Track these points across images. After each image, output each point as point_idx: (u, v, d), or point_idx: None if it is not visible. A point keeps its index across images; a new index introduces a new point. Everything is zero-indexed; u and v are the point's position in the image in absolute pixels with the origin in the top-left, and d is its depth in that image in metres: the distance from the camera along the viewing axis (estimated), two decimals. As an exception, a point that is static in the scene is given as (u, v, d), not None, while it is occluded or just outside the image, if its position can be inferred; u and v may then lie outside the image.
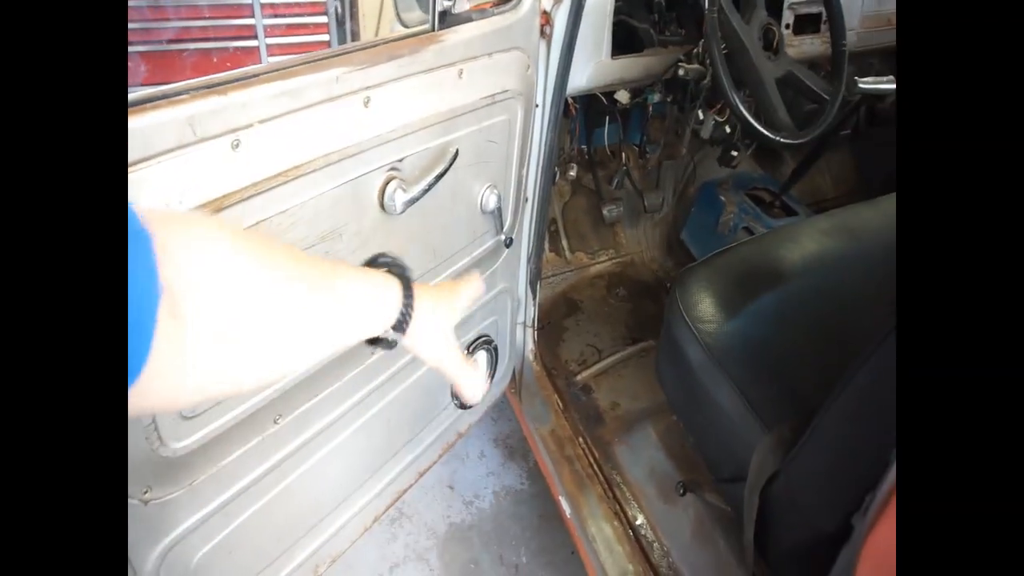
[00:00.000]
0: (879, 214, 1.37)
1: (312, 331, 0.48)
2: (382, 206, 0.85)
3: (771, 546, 0.97)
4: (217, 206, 0.65)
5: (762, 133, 1.25)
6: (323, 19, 2.39)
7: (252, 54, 2.37)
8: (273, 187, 0.70)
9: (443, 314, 0.62)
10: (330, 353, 0.52)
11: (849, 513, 0.79)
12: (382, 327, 0.55)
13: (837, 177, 2.32)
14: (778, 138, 1.26)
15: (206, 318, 0.38)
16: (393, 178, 0.85)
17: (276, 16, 2.36)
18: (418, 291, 0.58)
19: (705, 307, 1.14)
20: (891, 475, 0.65)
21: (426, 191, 0.87)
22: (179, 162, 0.61)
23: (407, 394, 1.13)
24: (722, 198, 1.89)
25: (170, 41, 2.22)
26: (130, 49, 2.15)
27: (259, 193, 0.69)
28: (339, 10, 2.35)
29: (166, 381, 0.37)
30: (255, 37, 2.32)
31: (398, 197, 0.85)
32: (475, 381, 0.65)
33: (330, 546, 1.09)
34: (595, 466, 1.34)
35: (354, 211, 0.83)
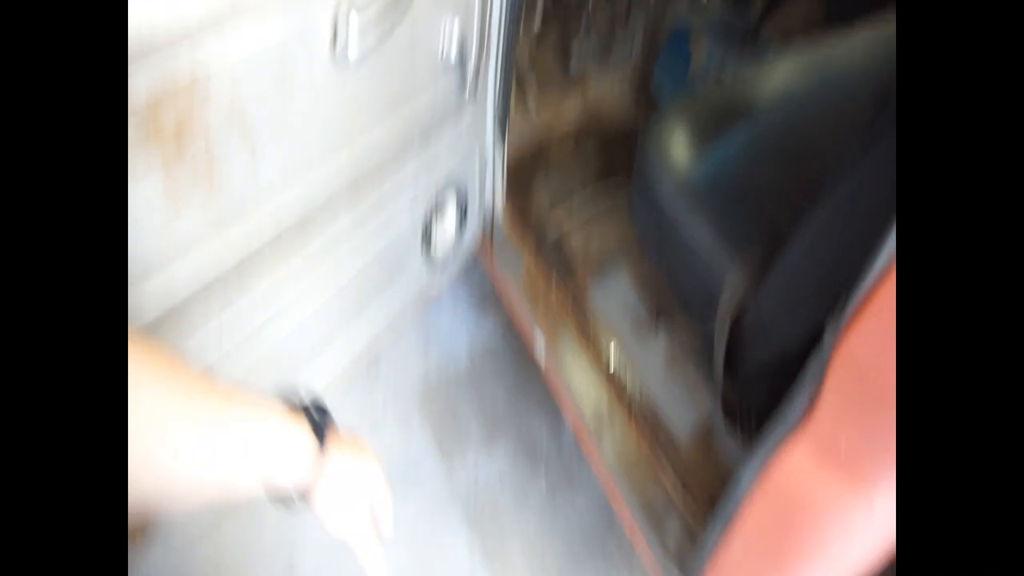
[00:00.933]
0: (847, 48, 1.36)
1: (195, 477, 0.43)
2: (333, 53, 0.82)
3: (740, 370, 1.06)
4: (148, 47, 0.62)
5: None
6: None
7: None
8: (213, 22, 0.66)
9: (358, 480, 0.54)
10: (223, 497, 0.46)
11: (815, 332, 0.86)
12: (286, 483, 0.49)
13: (808, 13, 2.24)
14: None
15: None
16: (343, 21, 0.80)
17: None
18: (332, 449, 0.51)
19: (678, 145, 1.16)
20: (858, 293, 0.69)
21: (384, 38, 0.84)
22: None
23: (377, 260, 1.15)
24: (692, 44, 1.84)
25: None
26: None
27: (198, 30, 0.65)
28: None
29: None
30: None
31: (352, 44, 0.81)
32: (381, 564, 0.58)
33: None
34: (570, 309, 1.42)
35: (303, 61, 0.79)
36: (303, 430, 0.50)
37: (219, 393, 0.44)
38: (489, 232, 1.53)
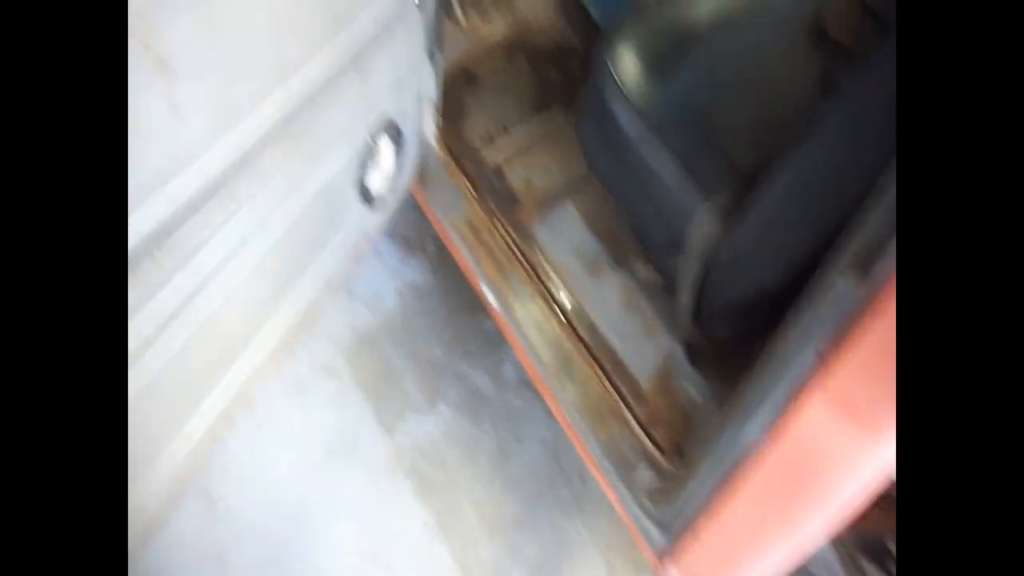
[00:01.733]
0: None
1: None
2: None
3: (704, 307, 1.02)
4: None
5: None
6: None
7: None
8: None
9: None
10: None
11: (794, 271, 0.81)
12: None
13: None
14: None
15: None
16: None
17: None
18: None
19: (635, 69, 1.05)
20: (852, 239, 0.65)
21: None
22: None
23: (312, 199, 0.98)
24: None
25: None
26: None
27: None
28: None
29: None
30: None
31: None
32: None
33: (243, 389, 0.98)
34: (516, 249, 1.31)
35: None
36: None
37: None
38: (423, 161, 1.36)
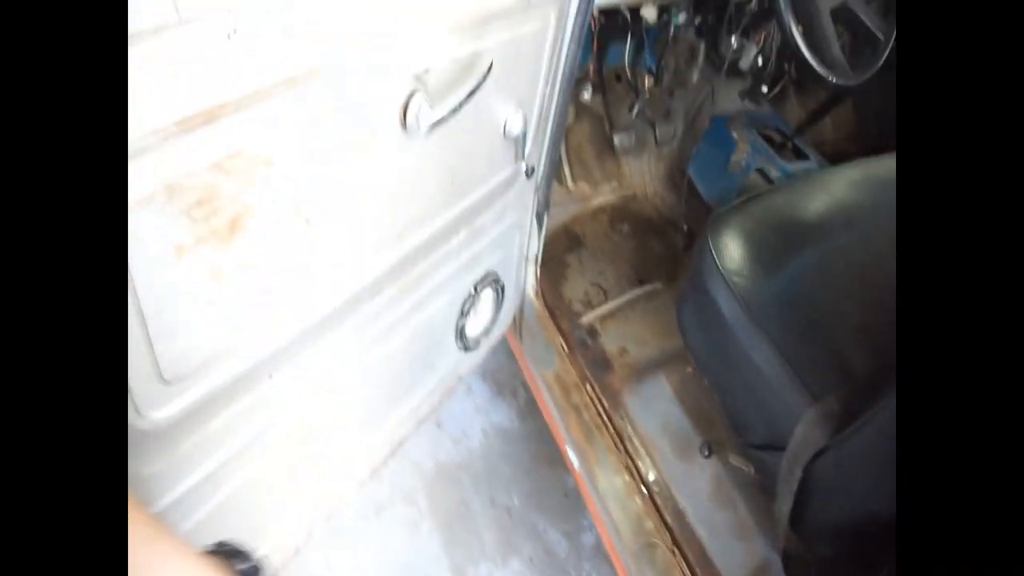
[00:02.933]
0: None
1: None
2: (404, 125, 0.70)
3: (807, 519, 0.92)
4: (208, 117, 0.50)
5: (816, 69, 1.12)
6: None
7: None
8: (279, 94, 0.54)
9: None
10: None
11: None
12: None
13: (836, 120, 2.22)
14: (831, 77, 1.13)
15: None
16: (418, 91, 0.69)
17: None
18: None
19: (741, 258, 1.05)
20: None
21: (455, 110, 0.72)
22: (160, 50, 0.45)
23: (411, 339, 1.02)
24: (734, 135, 1.76)
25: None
26: None
27: (261, 102, 0.53)
28: None
29: None
30: None
31: (423, 115, 0.70)
32: None
33: (324, 506, 1.00)
34: (604, 416, 1.27)
35: (371, 129, 0.68)
36: None
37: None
38: (519, 312, 1.39)
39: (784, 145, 1.79)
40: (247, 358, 0.68)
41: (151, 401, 0.59)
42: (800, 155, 1.77)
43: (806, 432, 0.89)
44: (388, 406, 1.07)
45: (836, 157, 1.60)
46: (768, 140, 1.78)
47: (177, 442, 0.66)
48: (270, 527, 0.90)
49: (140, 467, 0.63)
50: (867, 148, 1.37)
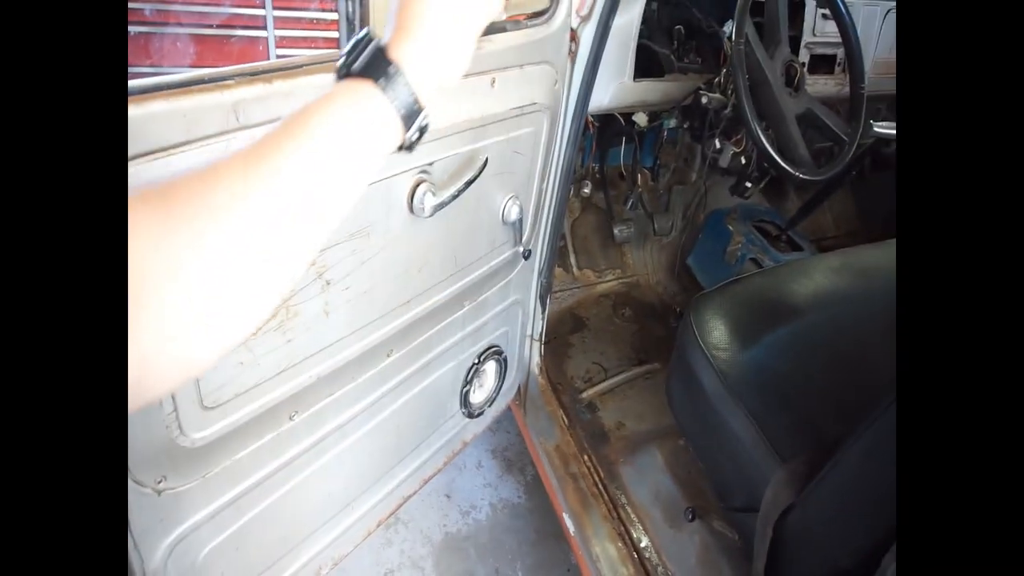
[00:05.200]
0: (887, 255, 1.39)
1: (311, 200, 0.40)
2: (411, 208, 0.86)
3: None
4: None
5: (782, 167, 1.27)
6: (333, 15, 2.46)
7: (259, 44, 2.44)
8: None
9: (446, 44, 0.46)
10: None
11: (869, 551, 0.78)
12: (392, 135, 0.44)
13: (838, 216, 2.36)
14: (797, 173, 1.28)
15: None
16: (423, 181, 0.85)
17: (286, 9, 2.42)
18: (399, 56, 0.44)
19: (720, 334, 1.14)
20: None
21: (455, 197, 0.88)
22: (221, 148, 0.61)
23: (418, 399, 1.12)
24: (730, 228, 1.91)
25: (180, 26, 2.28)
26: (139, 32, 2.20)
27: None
28: (350, 12, 2.41)
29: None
30: (263, 28, 2.39)
31: (427, 200, 0.85)
32: None
33: (333, 549, 1.07)
34: (600, 485, 1.33)
35: (384, 211, 0.83)
36: (355, 85, 0.43)
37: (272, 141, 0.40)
38: (524, 388, 1.49)
39: (779, 237, 1.92)
40: (272, 396, 0.80)
41: (193, 423, 0.71)
42: (795, 246, 1.90)
43: (775, 491, 0.95)
44: (395, 461, 1.16)
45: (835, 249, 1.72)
46: (763, 232, 1.91)
47: (210, 464, 0.77)
48: (284, 559, 0.98)
49: (177, 481, 0.74)
50: (868, 241, 1.48)
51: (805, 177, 1.29)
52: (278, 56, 2.44)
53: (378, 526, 1.18)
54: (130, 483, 0.70)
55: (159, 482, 0.72)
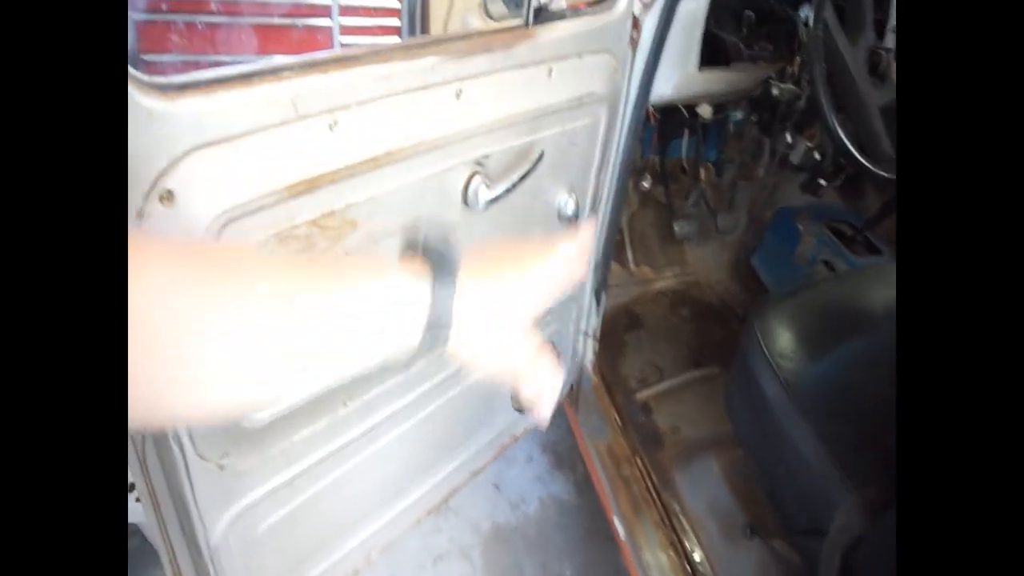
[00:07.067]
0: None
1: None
2: (465, 201, 0.85)
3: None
4: (311, 185, 0.65)
5: (862, 163, 1.18)
6: (395, 4, 2.50)
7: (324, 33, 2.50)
8: (364, 171, 0.70)
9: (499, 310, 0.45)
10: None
11: None
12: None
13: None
14: (879, 171, 1.19)
15: None
16: (477, 173, 0.84)
17: None
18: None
19: (787, 342, 1.08)
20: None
21: (509, 191, 0.86)
22: (280, 138, 0.61)
23: (469, 392, 1.12)
24: (800, 227, 1.81)
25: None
26: (209, 22, 2.31)
27: (351, 176, 0.69)
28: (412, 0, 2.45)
29: None
30: (328, 16, 2.45)
31: (481, 194, 0.84)
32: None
33: (382, 534, 1.09)
34: (653, 491, 1.29)
35: (437, 203, 0.83)
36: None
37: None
38: (577, 385, 1.46)
39: (854, 239, 1.81)
40: (324, 382, 0.81)
41: (249, 405, 0.74)
42: (873, 249, 1.78)
43: (846, 519, 0.89)
44: (444, 452, 1.16)
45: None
46: (838, 233, 1.81)
47: (268, 445, 0.80)
48: (335, 541, 1.01)
49: (238, 461, 0.77)
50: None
51: (887, 175, 1.20)
52: (341, 45, 2.50)
53: (427, 514, 1.18)
54: (195, 457, 0.72)
55: (222, 458, 0.75)
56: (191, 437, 0.71)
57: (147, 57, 2.30)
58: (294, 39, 2.47)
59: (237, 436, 0.75)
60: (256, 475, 0.81)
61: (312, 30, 2.50)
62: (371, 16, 2.55)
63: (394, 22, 2.56)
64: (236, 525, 0.82)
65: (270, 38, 2.43)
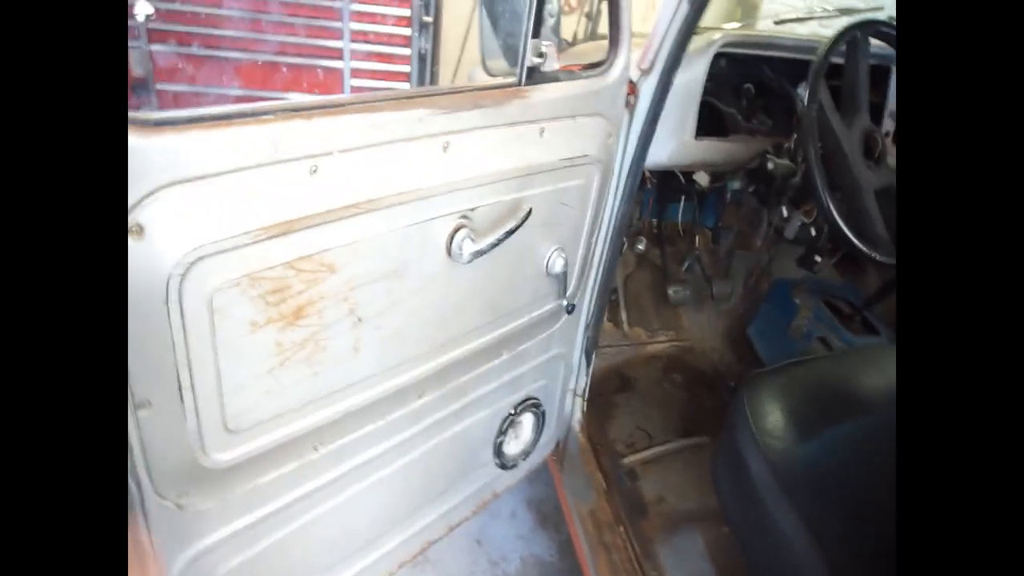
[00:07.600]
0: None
1: None
2: (449, 253, 0.85)
3: None
4: (287, 228, 0.66)
5: (856, 245, 1.18)
6: (406, 51, 2.60)
7: (336, 75, 2.60)
8: (344, 217, 0.70)
9: None
10: None
11: None
12: None
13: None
14: (873, 254, 1.18)
15: None
16: (463, 226, 0.84)
17: (364, 43, 2.63)
18: None
19: (775, 420, 1.05)
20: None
21: (494, 245, 0.86)
22: (257, 179, 0.62)
23: (449, 444, 1.09)
24: (796, 301, 1.80)
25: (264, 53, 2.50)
26: (226, 57, 2.41)
27: (330, 222, 0.69)
28: (423, 48, 2.56)
29: None
30: (341, 59, 2.54)
31: (466, 246, 0.84)
32: None
33: None
34: (635, 562, 1.24)
35: (420, 253, 0.82)
36: None
37: None
38: (563, 444, 1.43)
39: (852, 317, 1.79)
40: (296, 425, 0.79)
41: (215, 445, 0.72)
42: (870, 329, 1.75)
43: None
44: (421, 504, 1.12)
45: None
46: (835, 310, 1.78)
47: (231, 487, 0.77)
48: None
49: (198, 501, 0.74)
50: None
51: (880, 259, 1.19)
52: (352, 87, 2.60)
53: (400, 568, 1.13)
54: (153, 495, 0.70)
55: (180, 497, 0.72)
56: (149, 473, 0.68)
57: (160, 86, 2.39)
58: (305, 78, 2.57)
59: (197, 475, 0.73)
60: (216, 518, 0.78)
61: (325, 71, 2.60)
62: (382, 62, 2.66)
63: (404, 68, 2.66)
64: (194, 567, 0.79)
65: (285, 76, 2.53)
